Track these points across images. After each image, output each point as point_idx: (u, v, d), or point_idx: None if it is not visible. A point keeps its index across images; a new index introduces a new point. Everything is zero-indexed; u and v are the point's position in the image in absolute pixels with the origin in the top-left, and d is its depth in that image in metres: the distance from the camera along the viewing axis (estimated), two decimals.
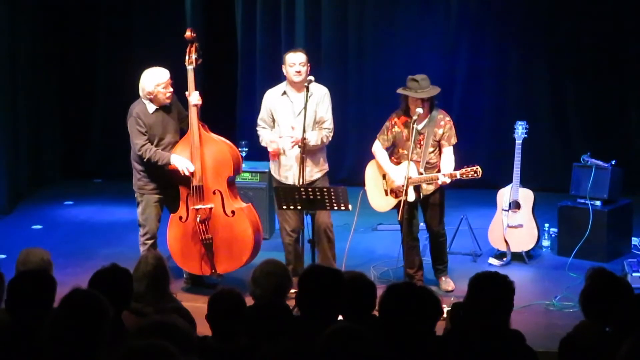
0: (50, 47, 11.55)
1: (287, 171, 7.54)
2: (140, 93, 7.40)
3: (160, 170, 7.38)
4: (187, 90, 7.39)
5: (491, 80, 11.11)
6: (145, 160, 7.34)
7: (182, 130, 7.54)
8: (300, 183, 7.20)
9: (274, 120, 7.58)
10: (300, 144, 7.28)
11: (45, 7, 11.36)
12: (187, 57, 7.43)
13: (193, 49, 7.44)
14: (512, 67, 11.05)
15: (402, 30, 11.12)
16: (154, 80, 7.32)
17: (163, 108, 7.43)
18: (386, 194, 7.60)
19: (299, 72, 7.40)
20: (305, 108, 7.28)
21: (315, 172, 7.54)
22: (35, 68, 11.24)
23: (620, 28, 10.62)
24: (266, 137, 7.57)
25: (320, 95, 7.51)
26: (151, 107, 7.40)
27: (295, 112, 7.45)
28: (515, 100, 10.97)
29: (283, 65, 7.53)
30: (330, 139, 7.58)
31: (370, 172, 7.69)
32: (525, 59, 10.99)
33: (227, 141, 7.58)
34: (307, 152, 7.31)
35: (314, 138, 7.41)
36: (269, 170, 7.87)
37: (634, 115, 10.86)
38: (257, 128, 7.69)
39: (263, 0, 11.29)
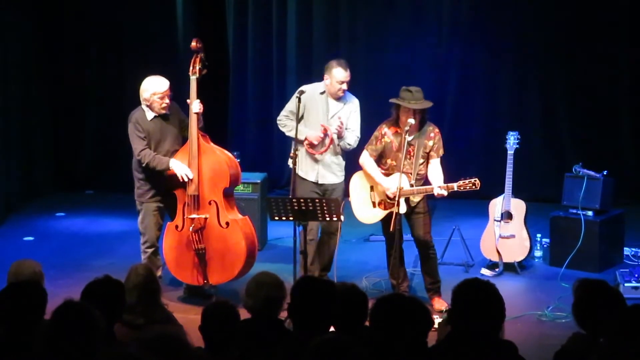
0: (41, 59, 11.54)
1: (311, 169, 7.69)
2: (140, 98, 7.44)
3: (159, 178, 7.41)
4: (186, 98, 7.42)
5: (482, 91, 11.14)
6: (144, 165, 7.37)
7: (185, 138, 7.53)
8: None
9: (302, 117, 7.62)
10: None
11: (36, 20, 11.35)
12: (191, 67, 7.45)
13: (198, 59, 7.45)
14: (503, 78, 11.08)
15: (394, 41, 11.14)
16: (152, 88, 7.38)
17: (162, 116, 7.46)
18: (374, 206, 7.51)
19: (344, 90, 7.68)
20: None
21: (337, 175, 7.74)
22: (26, 80, 11.23)
23: (612, 38, 10.66)
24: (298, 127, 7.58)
25: (355, 105, 7.78)
26: (150, 114, 7.44)
27: (329, 115, 7.63)
28: (506, 110, 11.00)
29: (327, 75, 7.67)
30: (356, 145, 7.72)
31: (357, 183, 7.57)
32: (517, 70, 11.02)
33: (227, 153, 7.59)
34: (336, 153, 7.67)
35: (352, 139, 7.66)
36: (261, 181, 7.81)
37: (626, 126, 10.89)
38: (281, 117, 7.77)
39: (255, 11, 11.32)
